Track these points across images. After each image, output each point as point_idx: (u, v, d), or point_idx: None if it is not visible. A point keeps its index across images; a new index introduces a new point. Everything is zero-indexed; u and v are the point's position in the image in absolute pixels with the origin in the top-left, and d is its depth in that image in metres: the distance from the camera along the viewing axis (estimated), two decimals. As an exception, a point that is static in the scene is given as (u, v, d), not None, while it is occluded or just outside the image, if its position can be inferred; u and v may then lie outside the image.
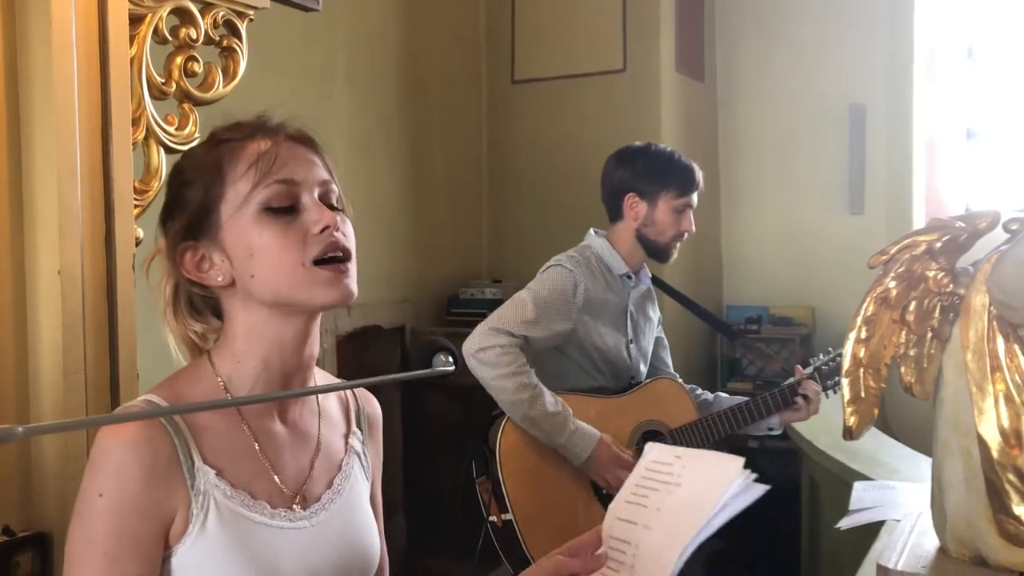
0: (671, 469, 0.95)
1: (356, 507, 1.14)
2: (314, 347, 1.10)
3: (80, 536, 0.96)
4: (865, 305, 1.33)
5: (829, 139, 4.68)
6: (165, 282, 1.09)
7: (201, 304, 1.10)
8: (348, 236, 1.06)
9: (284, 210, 1.02)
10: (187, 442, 1.00)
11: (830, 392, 2.32)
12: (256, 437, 1.06)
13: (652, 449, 1.00)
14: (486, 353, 2.13)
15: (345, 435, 1.18)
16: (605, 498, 2.21)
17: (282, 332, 1.06)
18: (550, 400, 2.14)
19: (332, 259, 1.03)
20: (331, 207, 1.06)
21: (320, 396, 1.16)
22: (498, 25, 4.62)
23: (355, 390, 1.23)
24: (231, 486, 1.02)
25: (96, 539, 0.95)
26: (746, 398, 2.38)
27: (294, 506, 1.06)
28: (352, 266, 1.05)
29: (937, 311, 1.31)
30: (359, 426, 1.21)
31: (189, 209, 1.05)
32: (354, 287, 1.04)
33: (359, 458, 1.18)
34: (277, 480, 1.06)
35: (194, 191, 1.05)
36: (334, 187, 1.08)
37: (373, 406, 1.24)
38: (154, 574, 0.97)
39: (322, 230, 1.02)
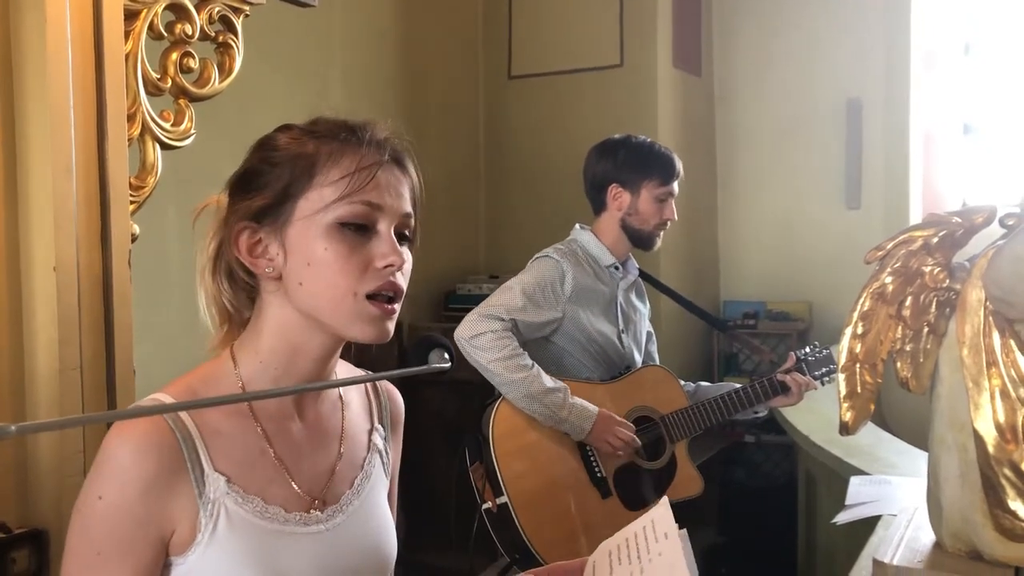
0: (650, 547, 0.92)
1: (374, 507, 1.12)
2: (335, 361, 1.08)
3: (77, 532, 0.96)
4: (861, 300, 1.32)
5: (826, 134, 4.68)
6: (211, 239, 1.06)
7: (239, 281, 1.06)
8: (405, 275, 1.04)
9: (357, 228, 1.00)
10: (196, 449, 0.98)
11: (825, 380, 2.35)
12: (271, 441, 1.04)
13: (662, 507, 0.97)
14: (480, 339, 2.17)
15: (368, 431, 1.16)
16: (599, 481, 2.25)
17: (310, 341, 1.03)
18: (547, 378, 2.18)
19: (383, 296, 1.01)
20: (402, 236, 1.04)
21: (343, 388, 1.14)
22: (495, 21, 4.61)
23: (380, 386, 1.21)
24: (243, 492, 1.00)
25: (91, 538, 0.95)
26: (736, 385, 2.42)
27: (312, 510, 1.04)
28: (398, 307, 1.03)
29: (933, 306, 1.31)
30: (382, 422, 1.19)
31: (264, 192, 1.01)
32: (391, 328, 1.02)
33: (380, 455, 1.16)
34: (293, 484, 1.04)
35: (277, 176, 1.01)
36: (412, 222, 1.06)
37: (397, 402, 1.22)
38: None
39: (385, 267, 1.00)
